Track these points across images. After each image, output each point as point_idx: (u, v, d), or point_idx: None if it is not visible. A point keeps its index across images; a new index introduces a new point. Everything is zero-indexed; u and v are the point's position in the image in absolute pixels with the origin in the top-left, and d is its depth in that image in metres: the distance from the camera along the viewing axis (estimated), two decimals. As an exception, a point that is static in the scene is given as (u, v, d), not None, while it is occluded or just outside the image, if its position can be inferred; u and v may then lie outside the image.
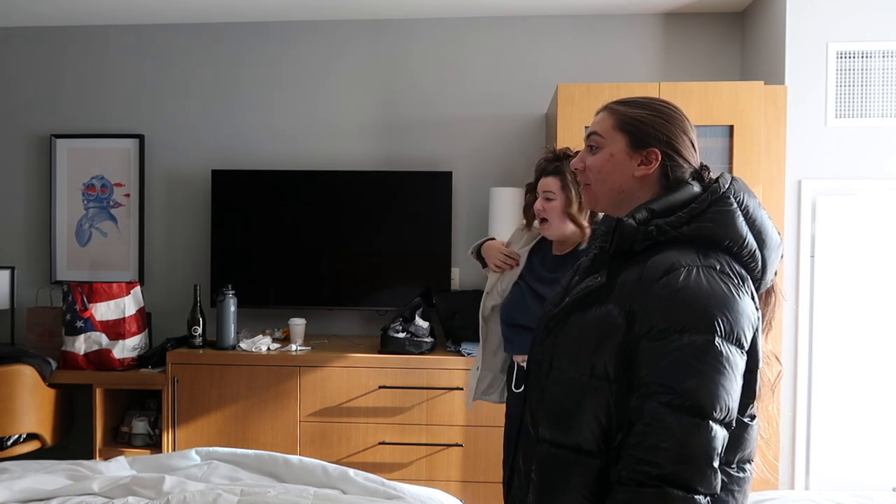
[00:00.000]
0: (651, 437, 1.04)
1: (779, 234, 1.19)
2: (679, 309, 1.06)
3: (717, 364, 1.04)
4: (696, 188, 1.19)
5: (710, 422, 1.03)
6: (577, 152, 2.11)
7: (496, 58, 3.49)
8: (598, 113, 1.29)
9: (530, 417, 1.25)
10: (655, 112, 1.23)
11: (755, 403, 1.16)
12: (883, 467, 2.85)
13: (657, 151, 1.20)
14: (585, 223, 2.06)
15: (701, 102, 2.82)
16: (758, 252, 1.14)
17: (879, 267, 2.86)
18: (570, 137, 2.83)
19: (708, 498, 1.03)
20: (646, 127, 1.21)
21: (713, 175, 1.23)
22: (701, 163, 1.24)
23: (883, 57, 2.90)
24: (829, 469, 2.89)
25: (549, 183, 2.09)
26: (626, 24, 3.43)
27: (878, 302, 2.86)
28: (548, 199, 2.08)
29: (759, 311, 1.14)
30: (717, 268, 1.10)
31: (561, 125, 2.88)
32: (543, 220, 2.11)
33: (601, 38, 3.44)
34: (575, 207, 2.04)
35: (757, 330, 1.12)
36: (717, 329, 1.05)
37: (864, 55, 2.90)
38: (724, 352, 1.05)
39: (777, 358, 1.23)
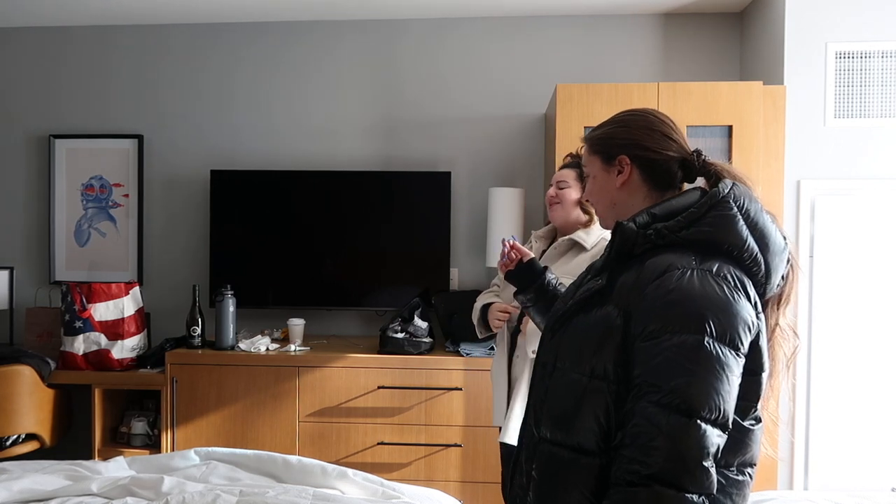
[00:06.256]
0: (641, 437, 1.04)
1: (784, 238, 1.18)
2: (670, 309, 1.07)
3: (707, 364, 1.04)
4: (697, 193, 1.20)
5: (699, 421, 1.03)
6: None
7: (495, 58, 3.49)
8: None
9: (533, 417, 1.25)
10: (615, 124, 1.32)
11: (758, 407, 1.15)
12: (882, 468, 2.85)
13: (625, 157, 1.27)
14: (593, 211, 2.13)
15: (700, 102, 2.82)
16: (760, 256, 1.14)
17: (879, 267, 2.86)
18: (569, 137, 2.83)
19: (703, 497, 1.02)
20: (610, 140, 1.30)
21: (708, 159, 1.24)
22: (695, 150, 1.26)
23: (882, 57, 2.90)
24: (827, 469, 2.89)
25: (565, 173, 2.25)
26: (625, 25, 3.43)
27: (878, 302, 2.86)
28: (560, 188, 2.23)
29: (763, 315, 1.14)
30: (713, 270, 1.10)
31: (560, 125, 2.88)
32: (554, 205, 2.24)
33: (600, 38, 3.44)
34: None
35: (759, 334, 1.12)
36: (708, 329, 1.05)
37: (863, 55, 2.90)
38: (714, 352, 1.05)
39: (795, 332, 1.23)
